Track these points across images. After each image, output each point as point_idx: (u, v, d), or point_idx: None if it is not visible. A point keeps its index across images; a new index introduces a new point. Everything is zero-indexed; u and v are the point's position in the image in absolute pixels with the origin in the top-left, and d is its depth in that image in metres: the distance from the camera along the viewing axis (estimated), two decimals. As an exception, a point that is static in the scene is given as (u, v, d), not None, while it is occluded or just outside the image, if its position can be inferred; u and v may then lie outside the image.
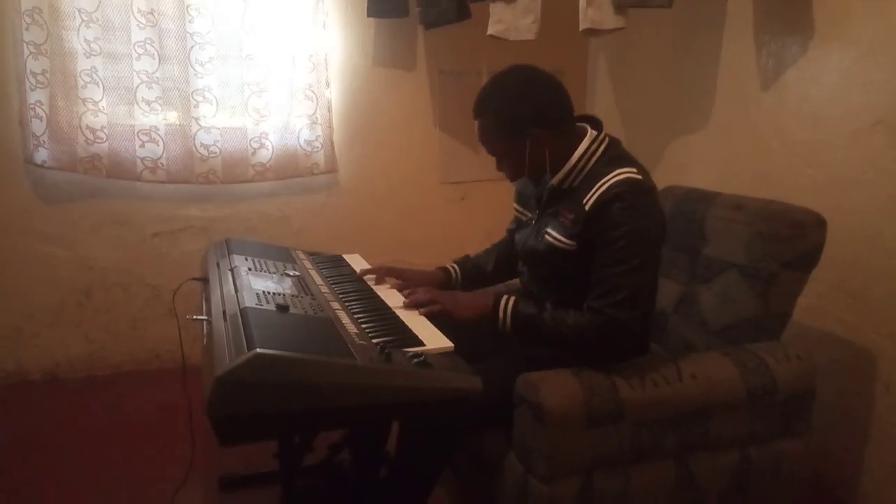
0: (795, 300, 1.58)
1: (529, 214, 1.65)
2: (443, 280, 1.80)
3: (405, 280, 1.73)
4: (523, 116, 1.45)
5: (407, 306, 1.49)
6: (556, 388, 1.31)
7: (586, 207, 1.40)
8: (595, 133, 1.50)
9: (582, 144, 1.47)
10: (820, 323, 1.96)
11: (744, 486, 1.46)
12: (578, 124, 1.53)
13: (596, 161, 1.46)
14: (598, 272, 1.39)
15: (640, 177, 1.40)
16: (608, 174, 1.40)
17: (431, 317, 1.45)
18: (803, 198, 1.80)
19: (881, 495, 1.83)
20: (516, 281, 1.79)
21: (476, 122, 1.53)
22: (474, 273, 1.84)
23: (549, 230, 1.50)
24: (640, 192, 1.39)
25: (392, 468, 1.67)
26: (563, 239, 1.46)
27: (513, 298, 1.47)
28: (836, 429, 1.93)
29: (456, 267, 1.83)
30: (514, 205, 1.75)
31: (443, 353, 1.25)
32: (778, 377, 1.44)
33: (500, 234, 1.93)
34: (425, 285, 1.71)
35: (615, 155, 1.47)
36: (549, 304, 1.45)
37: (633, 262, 1.36)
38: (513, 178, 1.58)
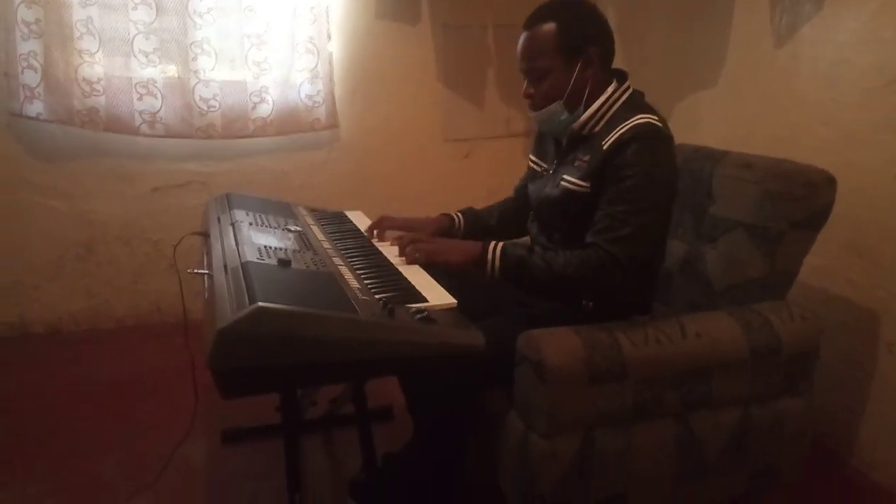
0: (802, 260, 1.56)
1: (545, 165, 1.63)
2: (445, 226, 1.78)
3: (407, 228, 1.72)
4: (589, 35, 1.43)
5: (399, 256, 1.48)
6: (558, 345, 1.30)
7: (604, 147, 1.39)
8: (618, 83, 1.48)
9: (607, 90, 1.46)
10: (827, 283, 1.95)
11: (744, 445, 1.46)
12: None
13: (619, 108, 1.45)
14: (602, 209, 1.38)
15: (660, 124, 1.40)
16: (629, 118, 1.39)
17: (432, 270, 1.44)
18: (814, 157, 1.76)
19: (881, 454, 1.85)
20: (523, 239, 1.77)
21: (525, 33, 1.45)
22: (477, 224, 1.81)
23: (566, 176, 1.48)
24: (658, 138, 1.38)
25: (412, 446, 1.68)
26: (578, 181, 1.44)
27: (501, 243, 1.45)
28: (837, 388, 1.94)
29: (460, 215, 1.81)
30: (530, 156, 1.71)
31: (446, 309, 1.24)
32: (782, 337, 1.43)
33: (504, 192, 1.90)
34: (423, 231, 1.70)
35: (638, 103, 1.46)
36: (539, 248, 1.44)
37: (639, 204, 1.35)
38: (542, 105, 1.49)
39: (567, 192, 1.47)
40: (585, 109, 1.47)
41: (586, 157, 1.44)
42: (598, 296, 1.43)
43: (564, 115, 1.48)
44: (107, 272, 2.80)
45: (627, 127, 1.38)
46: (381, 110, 2.99)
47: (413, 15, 2.93)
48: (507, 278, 1.44)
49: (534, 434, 1.33)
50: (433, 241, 1.53)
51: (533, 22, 1.45)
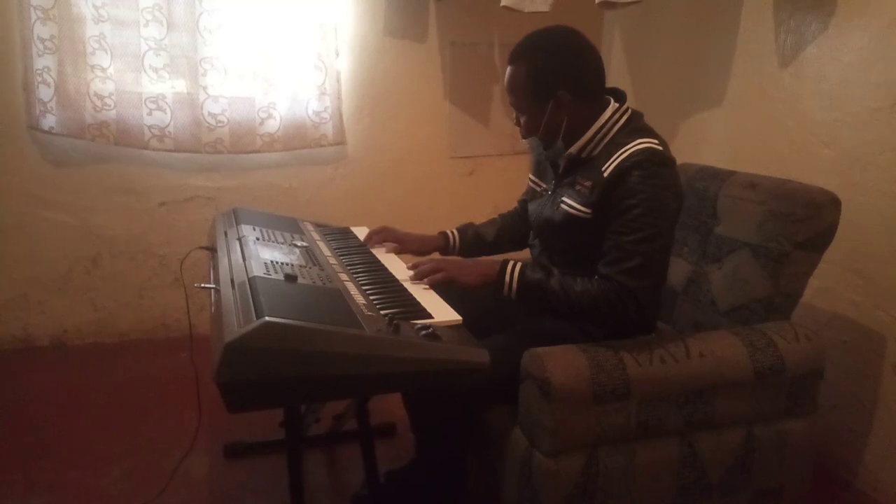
0: (807, 281, 1.56)
1: (544, 185, 1.63)
2: (440, 245, 1.80)
3: (402, 244, 1.74)
4: (555, 77, 1.42)
5: (413, 279, 1.48)
6: (563, 363, 1.30)
7: (605, 174, 1.39)
8: (617, 105, 1.48)
9: (604, 114, 1.46)
10: (830, 304, 1.95)
11: (747, 465, 1.46)
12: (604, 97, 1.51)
13: (617, 131, 1.45)
14: (611, 239, 1.38)
15: (660, 148, 1.40)
16: (628, 143, 1.39)
17: (438, 288, 1.44)
18: (818, 177, 1.78)
19: (885, 476, 1.84)
20: (522, 253, 1.78)
21: (508, 68, 1.49)
22: (474, 241, 1.82)
23: (566, 199, 1.49)
24: (660, 163, 1.37)
25: (415, 463, 1.70)
26: (579, 207, 1.45)
27: (519, 263, 1.45)
28: (841, 409, 1.93)
29: (455, 233, 1.82)
30: (530, 175, 1.72)
31: (451, 326, 1.25)
32: (786, 357, 1.43)
33: (509, 208, 1.91)
34: (420, 249, 1.73)
35: (637, 127, 1.46)
36: (557, 271, 1.44)
37: (647, 231, 1.34)
38: (525, 136, 1.54)
39: (567, 216, 1.48)
40: (576, 137, 1.47)
41: (587, 183, 1.44)
42: (612, 325, 1.43)
43: (542, 149, 1.53)
44: (112, 286, 2.81)
45: (627, 153, 1.38)
46: (387, 127, 3.01)
47: (421, 33, 2.96)
48: (523, 300, 1.45)
49: (538, 452, 1.33)
50: (455, 263, 1.52)
51: (511, 59, 1.48)
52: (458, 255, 1.79)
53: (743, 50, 2.30)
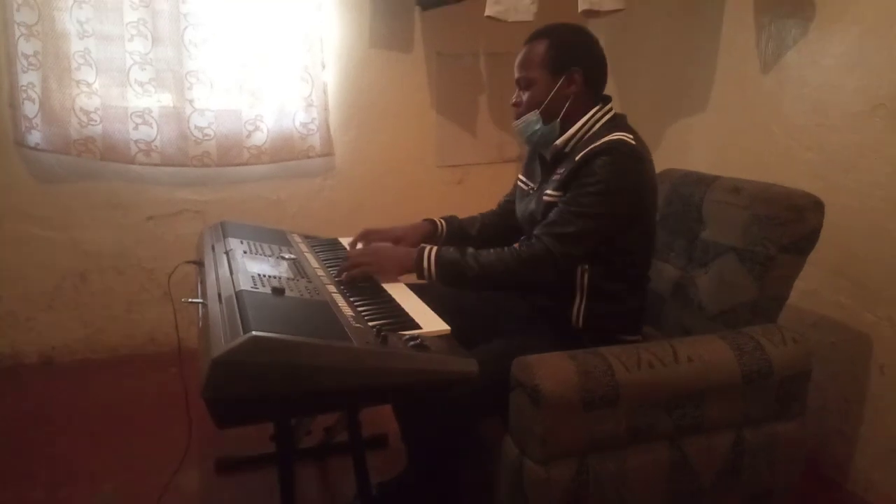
0: (792, 283, 1.58)
1: (532, 184, 1.68)
2: (428, 232, 1.82)
3: (390, 238, 1.75)
4: (575, 52, 1.53)
5: (338, 278, 1.50)
6: (552, 371, 1.31)
7: (576, 159, 1.47)
8: (601, 105, 1.56)
9: (589, 112, 1.55)
10: (816, 306, 1.97)
11: (738, 468, 1.46)
12: None
13: (599, 128, 1.53)
14: (556, 208, 1.47)
15: (633, 142, 1.46)
16: (605, 136, 1.47)
17: (428, 296, 1.44)
18: (802, 181, 1.79)
19: (875, 476, 1.85)
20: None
21: (524, 48, 1.57)
22: (458, 233, 1.85)
23: (547, 191, 1.54)
24: (626, 154, 1.45)
25: (406, 474, 1.71)
26: (553, 192, 1.51)
27: (435, 248, 1.50)
28: (830, 410, 1.95)
29: (443, 222, 1.84)
30: (519, 176, 1.77)
31: (439, 337, 1.25)
32: (774, 360, 1.44)
33: (497, 217, 1.92)
34: (409, 242, 1.72)
35: (618, 125, 1.53)
36: (472, 249, 1.50)
37: (590, 209, 1.43)
38: (523, 113, 1.57)
39: (546, 205, 1.53)
40: (565, 128, 1.54)
41: (562, 170, 1.52)
42: (525, 289, 1.51)
43: (539, 126, 1.55)
44: (101, 301, 2.79)
45: (601, 142, 1.46)
46: (375, 138, 3.02)
47: (406, 43, 2.98)
48: (444, 282, 1.49)
49: (528, 460, 1.33)
50: (375, 255, 1.56)
51: (532, 37, 1.57)
52: (442, 243, 1.79)
53: (725, 56, 2.33)
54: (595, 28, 3.04)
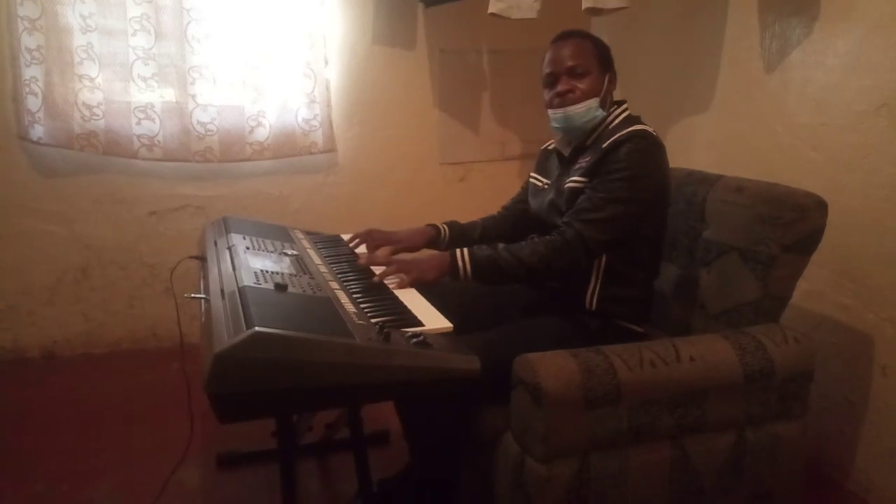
0: (795, 283, 1.57)
1: (547, 180, 1.71)
2: (431, 236, 1.82)
3: (392, 242, 1.74)
4: (611, 59, 1.64)
5: (379, 278, 1.49)
6: (554, 369, 1.31)
7: (603, 147, 1.52)
8: (618, 105, 1.65)
9: (611, 110, 1.63)
10: (819, 306, 1.96)
11: (739, 468, 1.46)
12: None
13: (618, 123, 1.60)
14: (585, 195, 1.51)
15: (654, 133, 1.54)
16: (627, 128, 1.54)
17: (429, 291, 1.45)
18: (805, 180, 1.79)
19: (876, 477, 1.85)
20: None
21: (563, 41, 1.61)
22: (460, 237, 1.84)
23: (571, 178, 1.58)
24: (651, 143, 1.52)
25: (407, 471, 1.71)
26: (579, 179, 1.56)
27: (466, 249, 1.52)
28: (832, 411, 1.94)
29: (445, 227, 1.84)
30: (532, 174, 1.80)
31: (441, 334, 1.25)
32: (776, 360, 1.44)
33: (499, 215, 1.92)
34: (411, 246, 1.76)
35: (636, 120, 1.60)
36: (501, 244, 1.53)
37: (620, 194, 1.47)
38: (580, 99, 1.58)
39: (572, 191, 1.56)
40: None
41: (588, 159, 1.56)
42: (558, 276, 1.53)
43: (598, 112, 1.59)
44: (102, 296, 2.79)
45: (626, 132, 1.52)
46: (378, 134, 3.01)
47: (409, 40, 2.97)
48: (480, 279, 1.50)
49: (530, 458, 1.33)
50: (413, 263, 1.55)
51: (571, 34, 1.62)
52: (446, 248, 1.79)
53: (729, 55, 2.32)
54: (598, 26, 3.04)
